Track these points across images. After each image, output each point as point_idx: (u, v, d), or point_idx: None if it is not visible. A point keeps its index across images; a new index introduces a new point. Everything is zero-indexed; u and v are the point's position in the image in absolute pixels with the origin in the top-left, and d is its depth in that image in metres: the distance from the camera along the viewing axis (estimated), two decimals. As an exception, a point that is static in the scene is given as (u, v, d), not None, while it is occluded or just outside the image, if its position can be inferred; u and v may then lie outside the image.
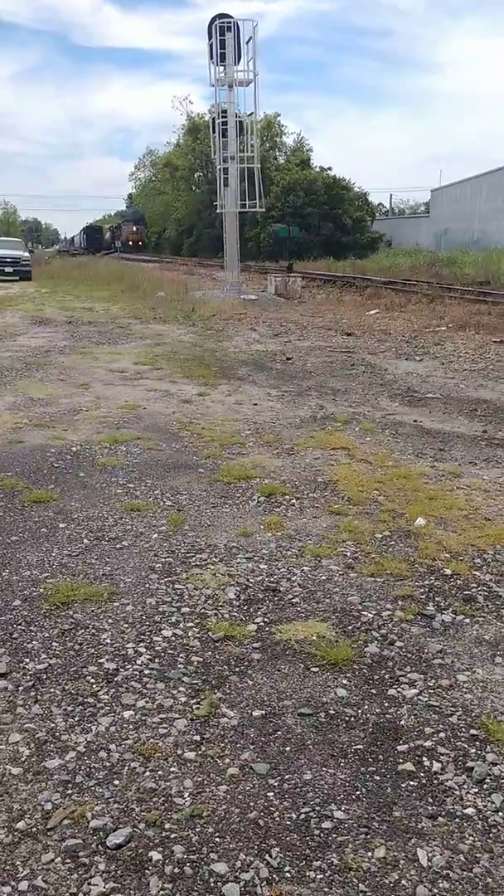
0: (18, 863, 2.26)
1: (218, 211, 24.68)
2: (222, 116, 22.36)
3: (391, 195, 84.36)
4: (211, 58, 22.14)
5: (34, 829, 2.39)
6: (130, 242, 66.55)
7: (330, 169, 52.61)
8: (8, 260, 30.54)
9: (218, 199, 23.68)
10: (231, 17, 22.05)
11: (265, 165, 51.19)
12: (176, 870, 2.24)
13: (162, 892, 2.17)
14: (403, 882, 2.23)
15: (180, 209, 61.67)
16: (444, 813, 2.51)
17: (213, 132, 23.13)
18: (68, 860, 2.27)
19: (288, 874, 2.25)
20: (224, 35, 21.59)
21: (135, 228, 67.78)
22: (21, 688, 3.17)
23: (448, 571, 4.41)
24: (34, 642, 3.54)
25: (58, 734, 2.87)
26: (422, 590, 4.18)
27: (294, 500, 5.58)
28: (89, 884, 2.18)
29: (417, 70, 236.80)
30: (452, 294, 19.45)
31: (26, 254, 32.73)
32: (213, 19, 21.85)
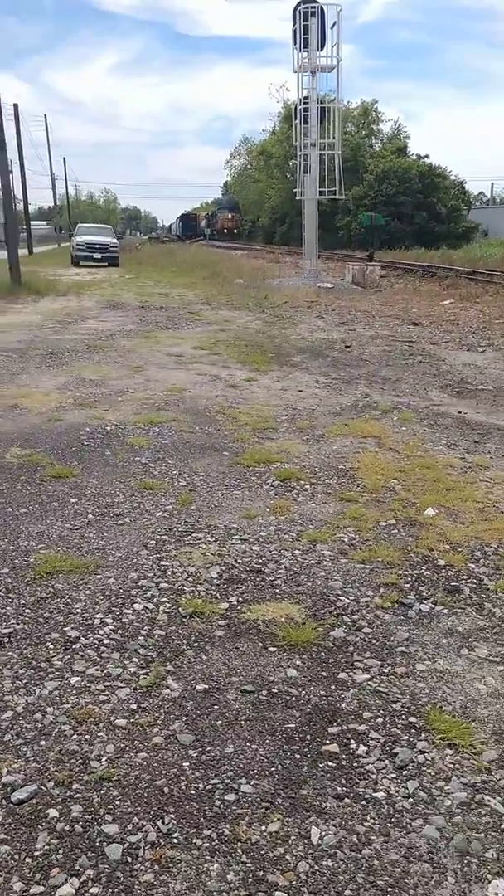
0: None
1: (297, 198, 24.58)
2: (304, 102, 22.24)
3: (492, 184, 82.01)
4: (294, 43, 22.03)
5: None
6: (225, 230, 67.03)
7: (427, 156, 51.60)
8: (97, 246, 31.28)
9: (298, 186, 23.59)
10: (316, 1, 21.87)
11: (360, 153, 50.82)
12: (67, 827, 2.32)
13: (47, 847, 2.25)
14: (287, 857, 2.25)
15: (274, 197, 61.54)
16: (352, 794, 2.50)
17: (295, 118, 23.05)
18: (-31, 810, 2.38)
19: (175, 840, 2.29)
20: (308, 20, 21.45)
21: (230, 216, 68.11)
22: (-20, 649, 3.30)
23: (441, 562, 4.34)
24: (8, 608, 3.67)
25: (1, 695, 2.98)
26: (408, 579, 4.13)
27: (308, 486, 5.58)
28: (-19, 834, 2.28)
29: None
30: (534, 285, 18.87)
31: (114, 240, 33.40)
32: (298, 4, 21.72)
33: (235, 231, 66.65)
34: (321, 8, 21.74)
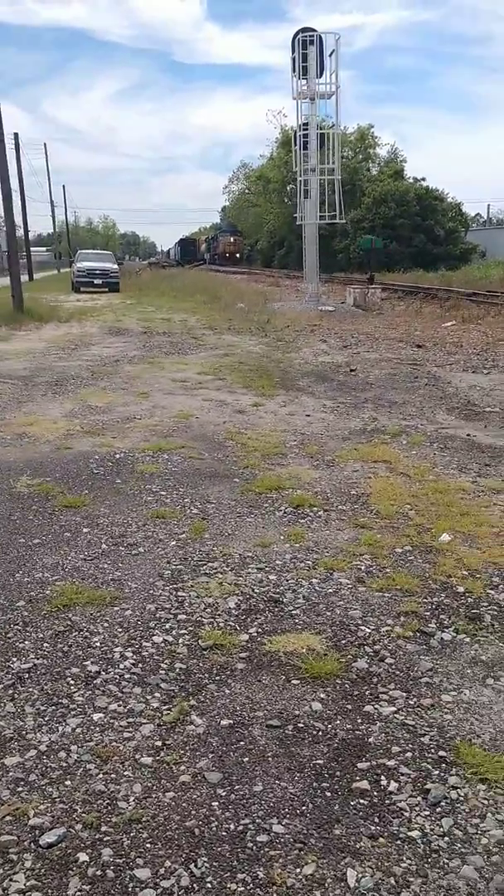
0: (-50, 854, 2.33)
1: (298, 223, 24.74)
2: (304, 129, 22.44)
3: (489, 205, 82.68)
4: (294, 71, 22.27)
5: (-25, 823, 2.46)
6: (227, 254, 66.53)
7: (423, 179, 52.00)
8: (97, 272, 31.46)
9: (298, 211, 23.75)
10: (314, 30, 22.15)
11: (357, 177, 51.21)
12: (98, 872, 2.27)
13: (79, 894, 2.19)
14: (324, 901, 2.19)
15: (272, 221, 61.96)
16: (386, 834, 2.45)
17: (295, 144, 23.26)
18: (-3, 855, 2.32)
19: (209, 884, 2.24)
20: (306, 48, 21.69)
21: (232, 239, 67.65)
22: (1, 686, 3.25)
23: (461, 589, 4.30)
24: (26, 642, 3.63)
25: (24, 733, 2.94)
26: (428, 607, 4.09)
27: (321, 512, 5.55)
28: (11, 880, 2.23)
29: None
30: (536, 306, 18.93)
31: (115, 266, 33.59)
32: (297, 33, 21.99)
33: (238, 255, 66.18)
34: (319, 36, 22.01)
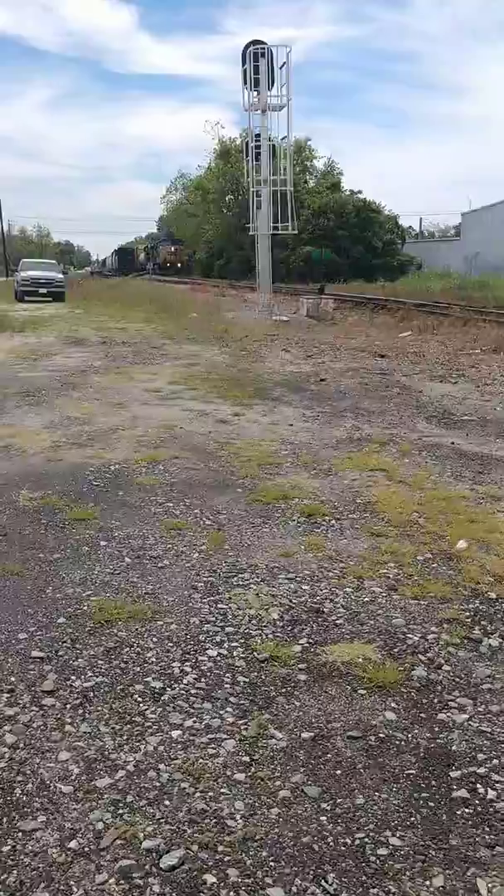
0: (72, 883, 2.24)
1: (251, 233, 24.88)
2: (255, 140, 22.59)
3: (420, 219, 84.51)
4: (245, 83, 22.41)
5: (87, 849, 2.38)
6: (168, 264, 64.39)
7: (360, 192, 52.96)
8: (42, 281, 30.99)
9: (250, 222, 23.87)
10: (265, 43, 22.34)
11: (296, 189, 51.72)
12: (231, 893, 2.21)
13: (218, 917, 2.14)
14: (463, 912, 2.18)
15: (211, 231, 62.09)
16: (502, 842, 2.45)
17: (246, 156, 23.41)
18: (122, 881, 2.25)
19: (345, 901, 2.21)
20: (258, 61, 21.86)
21: (172, 249, 65.72)
22: (69, 705, 3.16)
23: (493, 595, 4.35)
24: (80, 660, 3.53)
25: (107, 753, 2.86)
26: (467, 613, 4.12)
27: (334, 521, 5.55)
28: (144, 906, 2.16)
29: (446, 93, 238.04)
30: (486, 317, 19.36)
31: (60, 275, 33.13)
32: (248, 45, 22.13)
33: (179, 265, 64.48)
34: (270, 49, 22.20)
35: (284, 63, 22.01)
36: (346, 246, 46.92)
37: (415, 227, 79.33)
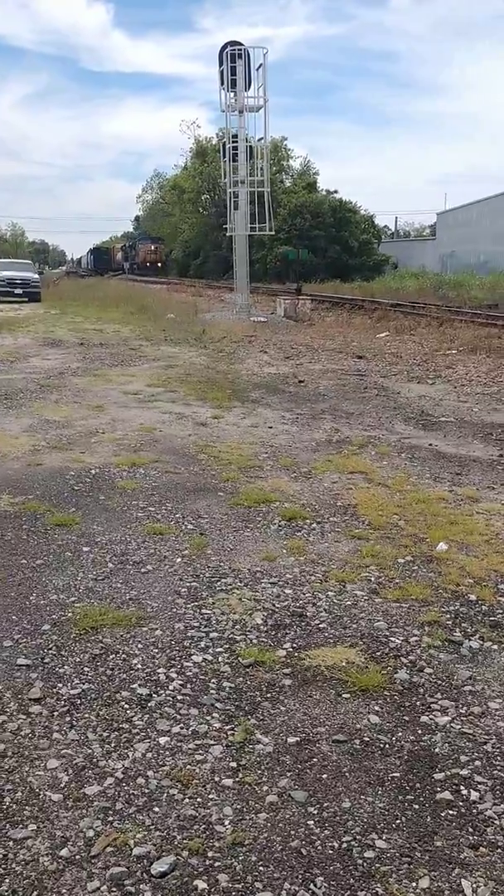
0: (65, 891, 2.27)
1: (228, 234, 24.93)
2: (233, 141, 22.62)
3: (396, 218, 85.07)
4: (222, 84, 22.43)
5: (78, 857, 2.40)
6: (148, 263, 62.54)
7: (336, 192, 53.22)
8: (18, 281, 30.80)
9: (228, 223, 23.90)
10: (242, 44, 22.38)
11: (272, 188, 51.83)
12: (223, 899, 2.25)
13: (210, 922, 2.17)
14: (450, 913, 2.23)
15: (187, 231, 61.96)
16: (485, 843, 2.51)
17: (224, 157, 23.45)
18: (114, 889, 2.28)
19: (334, 904, 2.25)
20: (235, 62, 21.90)
21: (153, 247, 64.01)
22: (56, 713, 3.18)
23: (473, 597, 4.42)
24: (66, 667, 3.55)
25: (95, 760, 2.88)
26: (448, 616, 4.19)
27: (315, 525, 5.60)
28: (136, 912, 2.19)
29: (423, 92, 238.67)
30: (462, 317, 19.52)
31: (35, 275, 32.98)
32: (225, 46, 22.16)
33: (159, 264, 62.60)
34: (247, 50, 22.24)
35: (261, 64, 22.08)
36: (322, 245, 47.08)
37: (391, 226, 79.85)
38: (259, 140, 23.17)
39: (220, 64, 22.02)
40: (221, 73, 22.07)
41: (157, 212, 76.82)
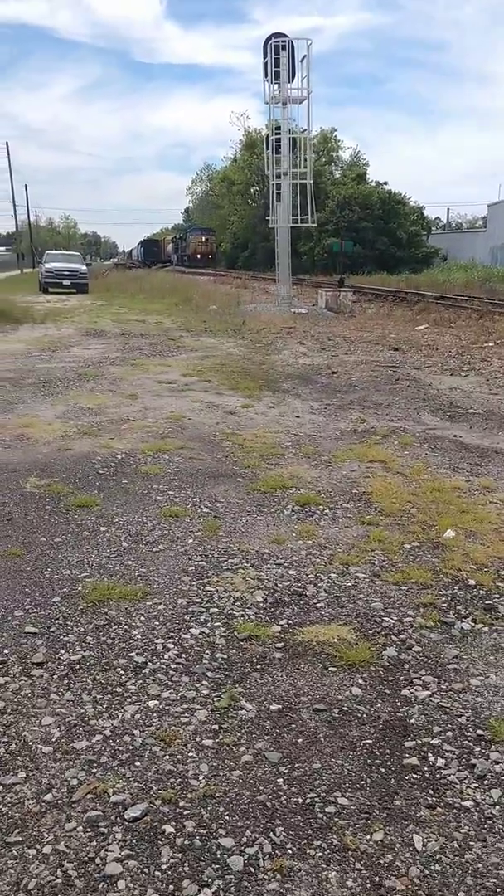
0: (44, 830, 2.48)
1: (270, 226, 25.01)
2: (276, 133, 22.70)
3: (448, 209, 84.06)
4: (266, 75, 22.49)
5: (60, 802, 2.61)
6: (199, 254, 61.57)
7: (386, 183, 52.74)
8: (66, 273, 31.31)
9: (270, 214, 24.00)
10: (286, 36, 22.39)
11: (321, 180, 51.57)
12: (186, 842, 2.44)
13: (172, 860, 2.36)
14: (398, 863, 2.39)
15: (236, 223, 62.08)
16: (442, 804, 2.66)
17: (267, 148, 23.53)
18: (89, 829, 2.48)
19: (290, 850, 2.42)
20: (279, 53, 21.93)
21: (203, 239, 63.06)
22: (55, 676, 3.40)
23: (472, 582, 4.53)
24: (70, 636, 3.77)
25: (87, 719, 3.09)
26: (444, 598, 4.31)
27: (327, 510, 5.75)
28: (106, 850, 2.39)
29: (476, 82, 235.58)
30: (502, 310, 19.36)
31: (84, 267, 33.47)
32: (269, 38, 22.20)
33: (210, 255, 61.41)
34: (291, 42, 22.27)
35: (305, 56, 22.09)
36: (370, 237, 46.78)
37: (442, 217, 78.94)
38: (303, 131, 23.19)
39: (265, 56, 22.07)
40: (265, 64, 22.13)
41: (207, 204, 77.13)
